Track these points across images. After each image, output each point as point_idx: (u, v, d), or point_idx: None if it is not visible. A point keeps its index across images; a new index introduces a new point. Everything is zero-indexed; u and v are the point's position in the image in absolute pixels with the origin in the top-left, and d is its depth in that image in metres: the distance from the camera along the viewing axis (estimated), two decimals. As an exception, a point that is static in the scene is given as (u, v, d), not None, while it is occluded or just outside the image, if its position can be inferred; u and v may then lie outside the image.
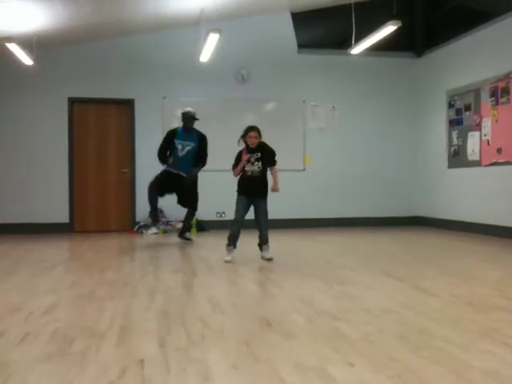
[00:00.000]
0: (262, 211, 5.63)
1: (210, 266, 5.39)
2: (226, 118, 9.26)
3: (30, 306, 3.60)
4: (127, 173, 9.08)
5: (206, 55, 8.03)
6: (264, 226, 5.66)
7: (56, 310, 3.52)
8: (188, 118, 7.06)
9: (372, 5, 8.72)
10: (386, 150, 9.89)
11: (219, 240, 7.76)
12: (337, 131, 9.70)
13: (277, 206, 9.35)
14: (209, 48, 7.64)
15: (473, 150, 8.35)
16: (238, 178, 5.71)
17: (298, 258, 6.04)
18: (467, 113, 8.52)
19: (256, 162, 5.61)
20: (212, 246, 7.13)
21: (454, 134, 8.87)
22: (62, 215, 8.85)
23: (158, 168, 7.18)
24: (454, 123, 8.88)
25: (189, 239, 7.44)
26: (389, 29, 7.14)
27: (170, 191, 7.16)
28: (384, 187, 9.85)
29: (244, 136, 5.67)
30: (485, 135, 8.06)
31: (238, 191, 5.70)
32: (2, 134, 8.71)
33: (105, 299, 3.81)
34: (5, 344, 2.75)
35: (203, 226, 8.89)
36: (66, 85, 8.83)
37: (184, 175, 7.04)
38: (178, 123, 9.13)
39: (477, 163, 8.25)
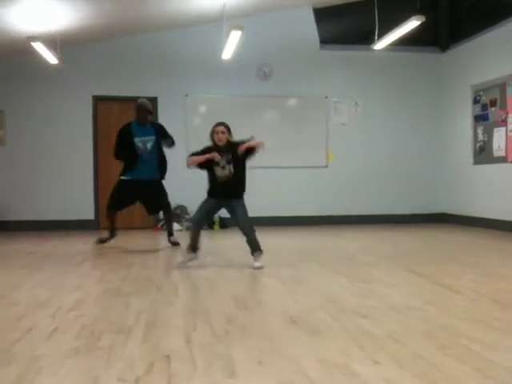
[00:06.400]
0: (240, 215, 4.97)
1: (233, 262, 5.41)
2: (248, 115, 9.27)
3: (58, 301, 3.66)
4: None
5: (228, 52, 8.05)
6: (249, 230, 4.98)
7: (83, 305, 3.58)
8: (142, 110, 6.30)
9: (395, -1, 8.66)
10: (410, 145, 9.81)
11: (242, 236, 7.78)
12: (360, 127, 9.65)
13: (300, 202, 9.44)
14: (231, 45, 7.65)
15: (499, 146, 8.23)
16: (209, 181, 5.03)
17: (321, 255, 6.03)
18: (493, 108, 8.39)
19: (227, 165, 4.91)
20: (234, 242, 7.15)
21: (480, 130, 8.75)
22: (87, 212, 8.97)
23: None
24: (480, 119, 8.76)
25: (177, 243, 6.54)
26: (412, 23, 7.06)
27: (131, 202, 6.49)
28: (408, 184, 9.77)
29: (211, 133, 5.00)
30: (511, 131, 7.94)
31: (208, 193, 5.08)
32: (29, 132, 8.86)
33: (131, 295, 3.86)
34: (34, 338, 2.81)
35: (225, 223, 8.92)
36: (91, 83, 8.94)
37: (152, 179, 6.36)
38: (200, 120, 9.23)
39: (503, 159, 8.13)
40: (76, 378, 2.26)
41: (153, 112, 6.52)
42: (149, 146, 6.30)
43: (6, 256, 6.12)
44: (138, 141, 6.27)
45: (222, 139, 4.92)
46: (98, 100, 9.02)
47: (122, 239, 6.81)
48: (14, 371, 2.30)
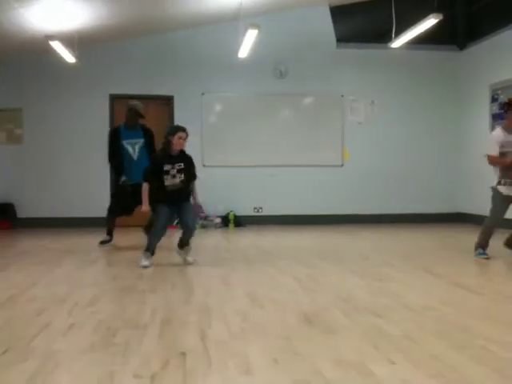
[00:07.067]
0: (190, 213, 5.05)
1: (249, 260, 5.42)
2: (264, 114, 9.28)
3: (75, 297, 3.70)
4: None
5: (244, 51, 8.04)
6: (192, 227, 5.13)
7: (99, 302, 3.61)
8: (134, 112, 6.29)
9: (412, -3, 8.60)
10: (427, 144, 9.73)
11: (257, 235, 7.80)
12: (376, 126, 9.59)
13: (315, 201, 9.42)
14: (247, 43, 7.64)
15: (517, 145, 8.12)
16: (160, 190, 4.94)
17: (337, 253, 6.01)
18: None
19: (178, 174, 4.87)
20: (250, 240, 7.17)
21: (498, 129, 8.64)
22: (104, 210, 8.98)
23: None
24: (498, 118, 8.65)
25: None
26: (430, 22, 7.00)
27: (135, 205, 6.11)
28: (424, 183, 9.69)
29: (171, 135, 4.85)
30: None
31: (157, 201, 5.01)
32: (47, 131, 8.94)
33: (146, 292, 3.89)
34: (51, 334, 2.84)
35: (240, 221, 8.93)
36: (108, 82, 9.00)
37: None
38: (216, 119, 9.28)
39: (521, 158, 8.02)
40: (92, 373, 2.28)
41: (144, 116, 6.39)
42: (137, 148, 6.29)
43: (26, 252, 6.18)
44: (126, 143, 6.27)
45: (182, 145, 4.90)
46: (114, 98, 9.06)
47: (137, 237, 6.83)
48: (31, 366, 2.33)
